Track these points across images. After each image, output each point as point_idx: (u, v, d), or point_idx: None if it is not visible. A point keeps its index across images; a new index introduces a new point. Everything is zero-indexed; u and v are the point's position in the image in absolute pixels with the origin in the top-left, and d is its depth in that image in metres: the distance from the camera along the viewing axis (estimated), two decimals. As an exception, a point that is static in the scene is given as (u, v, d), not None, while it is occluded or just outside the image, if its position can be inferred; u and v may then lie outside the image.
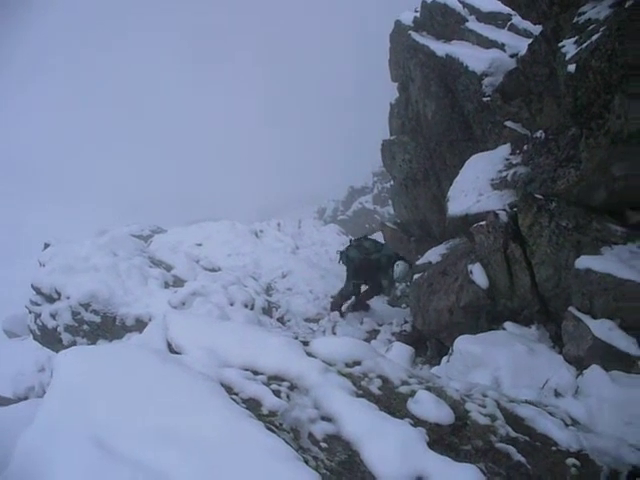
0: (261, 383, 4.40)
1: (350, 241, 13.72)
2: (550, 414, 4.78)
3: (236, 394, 4.21)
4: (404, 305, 13.41)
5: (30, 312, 14.17)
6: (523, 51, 10.48)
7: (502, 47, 11.91)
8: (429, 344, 10.42)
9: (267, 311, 13.46)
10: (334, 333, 12.22)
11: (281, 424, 3.93)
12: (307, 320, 13.38)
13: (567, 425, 4.69)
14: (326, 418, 4.07)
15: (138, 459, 3.14)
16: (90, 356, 4.45)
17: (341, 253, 13.27)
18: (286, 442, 3.55)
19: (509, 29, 12.63)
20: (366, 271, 12.67)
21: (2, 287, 37.55)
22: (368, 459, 3.68)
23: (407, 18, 14.96)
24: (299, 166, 74.45)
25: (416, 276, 11.22)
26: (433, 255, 11.36)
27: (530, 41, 10.31)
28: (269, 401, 4.15)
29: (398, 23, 15.26)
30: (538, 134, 9.37)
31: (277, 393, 4.28)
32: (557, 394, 6.23)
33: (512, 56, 11.32)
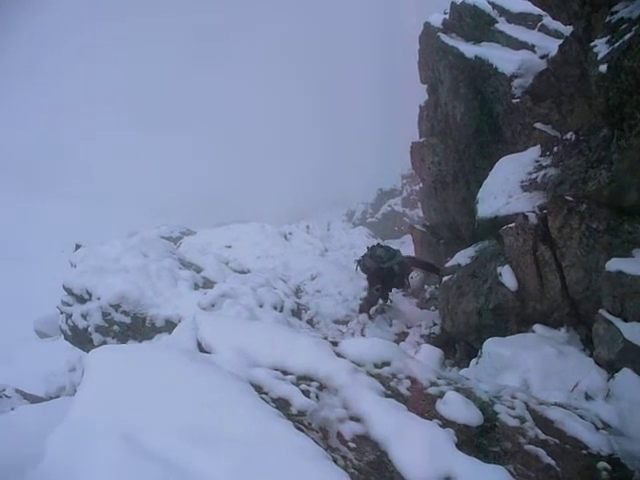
0: (290, 383, 4.43)
1: (367, 249, 13.76)
2: (580, 417, 4.76)
3: (265, 394, 4.24)
4: (433, 307, 13.37)
5: (61, 313, 14.32)
6: (554, 52, 10.40)
7: (532, 48, 11.82)
8: (458, 346, 10.38)
9: (296, 313, 13.50)
10: (363, 335, 12.24)
11: (310, 424, 3.95)
12: (336, 322, 13.40)
13: (598, 428, 4.66)
14: (355, 418, 4.08)
15: (169, 458, 3.18)
16: (121, 355, 4.50)
17: (358, 262, 13.40)
18: (315, 442, 3.56)
19: (539, 30, 12.52)
20: (381, 279, 12.82)
21: (34, 288, 37.93)
22: (396, 459, 3.69)
23: (436, 20, 14.90)
24: (328, 168, 74.42)
25: (445, 278, 11.18)
26: (462, 257, 11.31)
27: (561, 42, 10.23)
28: (298, 401, 4.18)
29: (427, 25, 15.20)
30: (568, 135, 9.30)
31: (306, 393, 4.31)
32: (587, 397, 6.18)
33: (542, 57, 11.23)
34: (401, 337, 12.25)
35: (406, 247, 20.39)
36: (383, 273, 12.82)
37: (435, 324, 12.21)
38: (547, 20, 12.05)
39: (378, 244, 14.13)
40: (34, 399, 14.41)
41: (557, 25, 11.47)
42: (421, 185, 20.86)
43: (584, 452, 4.19)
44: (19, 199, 72.25)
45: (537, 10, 11.61)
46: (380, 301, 13.42)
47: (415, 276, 13.00)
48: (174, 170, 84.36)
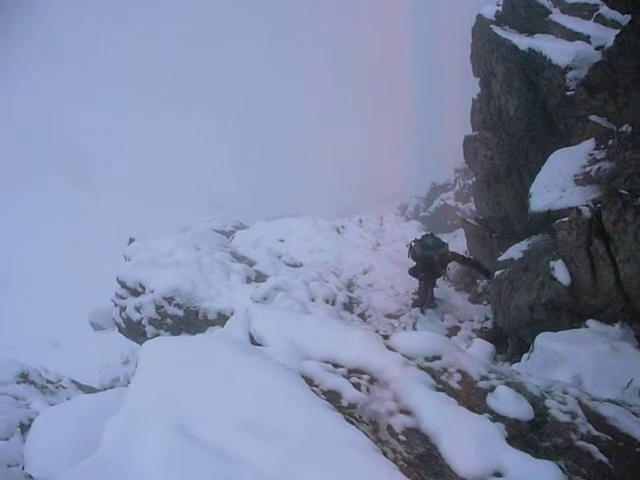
0: (341, 376, 4.47)
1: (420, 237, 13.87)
2: (634, 414, 4.69)
3: (316, 386, 4.28)
4: (485, 302, 13.31)
5: (115, 305, 14.59)
6: (610, 43, 10.22)
7: (587, 39, 11.63)
8: (509, 341, 10.33)
9: (348, 307, 13.54)
10: (415, 329, 12.24)
11: (360, 416, 3.99)
12: (388, 316, 13.41)
13: (652, 427, 4.59)
14: (405, 411, 4.10)
15: (221, 447, 3.24)
16: (174, 346, 4.58)
17: (410, 247, 13.48)
18: (365, 434, 3.60)
19: (595, 20, 12.30)
20: (424, 267, 12.89)
21: (89, 281, 38.58)
22: (446, 453, 3.70)
23: (489, 12, 14.77)
24: (381, 163, 74.05)
25: (497, 273, 11.13)
26: (515, 252, 11.24)
27: (618, 32, 10.06)
28: (349, 394, 4.21)
29: (480, 17, 15.07)
30: (624, 128, 9.17)
31: (357, 386, 4.34)
32: (642, 395, 6.10)
33: (598, 48, 11.04)
34: (453, 331, 12.23)
35: (458, 241, 20.25)
36: (425, 261, 12.90)
37: (487, 319, 12.16)
38: (604, 10, 11.83)
39: (431, 234, 14.22)
40: (89, 390, 14.69)
41: (614, 15, 11.27)
42: (474, 179, 20.70)
43: (638, 450, 4.14)
44: (75, 193, 73.57)
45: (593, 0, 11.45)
46: (432, 294, 13.45)
47: (453, 267, 13.01)
48: (227, 164, 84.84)
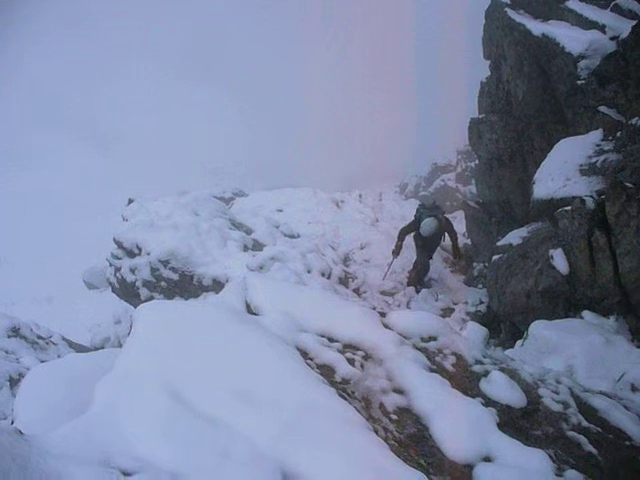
0: (336, 351, 4.47)
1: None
2: (625, 408, 4.71)
3: (311, 359, 4.29)
4: (480, 285, 13.31)
5: (110, 265, 14.60)
6: (625, 33, 10.11)
7: (602, 29, 11.52)
8: (503, 327, 10.34)
9: (343, 281, 13.55)
10: (409, 308, 12.24)
11: (353, 392, 3.99)
12: (382, 293, 13.41)
13: (643, 421, 4.61)
14: (398, 390, 4.11)
15: (214, 416, 3.25)
16: (170, 311, 4.58)
17: (417, 210, 13.58)
18: (357, 411, 3.60)
19: (612, 10, 12.15)
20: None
21: (84, 239, 38.63)
22: (437, 434, 3.71)
23: (504, -6, 14.65)
24: (384, 140, 73.91)
25: (495, 257, 11.12)
26: (514, 237, 11.23)
27: (634, 23, 9.97)
28: (343, 369, 4.21)
29: (495, 0, 14.95)
30: (634, 121, 9.11)
31: (351, 362, 4.35)
32: (634, 389, 6.11)
33: (612, 39, 10.94)
34: (447, 313, 12.24)
35: (457, 223, 20.20)
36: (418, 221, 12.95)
37: (482, 302, 12.16)
38: (622, 0, 11.74)
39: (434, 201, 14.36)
40: (80, 348, 14.76)
41: (633, 5, 11.17)
42: (476, 162, 20.65)
43: (627, 443, 4.16)
44: (81, 150, 73.53)
45: (612, -11, 11.35)
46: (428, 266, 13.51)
47: (427, 220, 12.95)
48: (228, 131, 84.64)
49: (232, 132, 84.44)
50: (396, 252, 13.52)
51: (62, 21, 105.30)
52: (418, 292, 13.11)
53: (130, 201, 16.72)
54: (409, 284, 13.49)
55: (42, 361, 11.10)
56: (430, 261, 13.62)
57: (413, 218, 13.42)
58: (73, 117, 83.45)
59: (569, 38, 11.52)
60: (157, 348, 3.91)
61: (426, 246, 13.26)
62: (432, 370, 4.43)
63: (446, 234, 13.42)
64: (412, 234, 13.45)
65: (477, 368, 4.64)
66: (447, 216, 14.07)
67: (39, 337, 13.44)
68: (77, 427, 3.15)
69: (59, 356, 12.27)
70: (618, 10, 11.91)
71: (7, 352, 11.95)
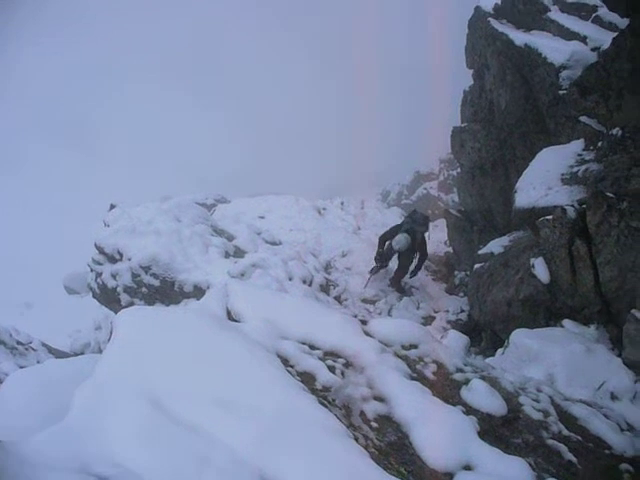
0: (317, 358, 4.45)
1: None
2: (605, 416, 4.72)
3: (291, 366, 4.26)
4: (462, 294, 13.35)
5: (91, 270, 14.48)
6: (606, 45, 10.20)
7: (584, 40, 11.62)
8: (484, 335, 10.37)
9: (325, 288, 13.52)
10: (390, 315, 12.25)
11: (334, 400, 3.97)
12: (364, 301, 13.41)
13: (622, 430, 4.63)
14: (379, 398, 4.09)
15: (194, 423, 3.22)
16: (151, 317, 4.53)
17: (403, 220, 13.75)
18: (338, 418, 3.58)
19: (593, 21, 12.29)
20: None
21: (65, 245, 38.41)
22: (417, 442, 3.70)
23: (487, 4, 14.70)
24: (366, 147, 74.16)
25: (476, 266, 11.16)
26: (495, 246, 11.27)
27: (615, 35, 10.05)
28: (323, 376, 4.19)
29: (478, 9, 15.00)
30: (614, 131, 9.17)
31: (332, 369, 4.33)
32: (613, 397, 6.14)
33: (594, 50, 11.04)
34: (428, 321, 12.26)
35: (439, 231, 20.32)
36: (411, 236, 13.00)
37: (463, 310, 12.21)
38: (602, 11, 11.84)
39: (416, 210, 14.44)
40: (59, 354, 14.65)
41: (613, 17, 11.27)
42: (459, 170, 20.74)
43: (607, 452, 4.17)
44: (65, 155, 73.27)
45: (593, 1, 11.46)
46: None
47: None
48: (211, 139, 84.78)
49: (215, 139, 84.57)
50: (378, 259, 13.56)
51: (56, 28, 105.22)
52: (404, 292, 13.25)
53: (112, 206, 16.62)
54: (391, 285, 13.63)
55: (21, 367, 10.99)
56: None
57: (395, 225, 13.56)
58: (56, 121, 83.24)
59: (551, 48, 11.61)
60: (137, 354, 3.88)
61: (398, 257, 13.35)
62: (413, 378, 4.42)
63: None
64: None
65: (458, 376, 4.63)
66: (430, 224, 14.13)
67: (18, 343, 13.34)
68: (55, 434, 3.11)
69: (38, 362, 12.16)
70: (599, 22, 12.04)
71: (-15, 358, 11.84)
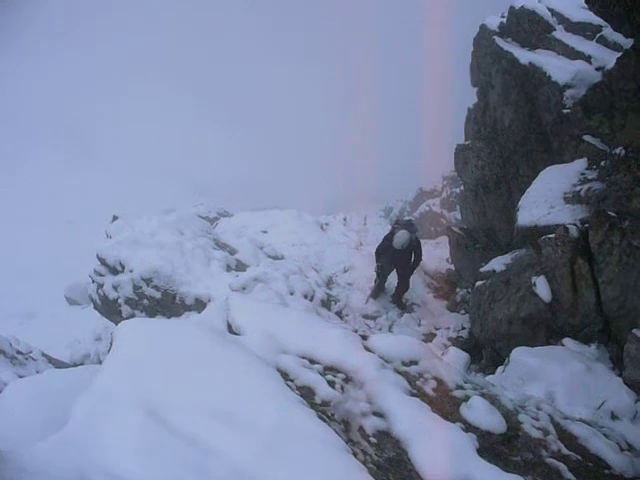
0: (317, 372, 4.45)
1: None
2: (605, 436, 4.71)
3: (291, 380, 4.26)
4: (463, 311, 13.32)
5: (93, 282, 14.49)
6: (611, 64, 10.23)
7: (588, 59, 11.65)
8: (484, 352, 10.34)
9: (326, 304, 13.51)
10: (391, 332, 12.24)
11: (333, 415, 3.97)
12: (365, 317, 13.39)
13: (622, 449, 4.61)
14: (378, 414, 4.09)
15: (192, 435, 3.22)
16: (151, 329, 4.54)
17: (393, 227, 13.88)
18: (337, 433, 3.58)
19: (598, 41, 12.32)
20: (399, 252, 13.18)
21: (67, 255, 38.42)
22: (416, 459, 3.69)
23: (492, 23, 14.74)
24: (370, 164, 74.28)
25: (478, 283, 11.14)
26: (497, 264, 11.25)
27: (619, 54, 10.08)
28: (323, 391, 4.19)
29: (483, 27, 15.04)
30: (618, 150, 9.19)
31: (332, 384, 4.32)
32: (614, 417, 6.11)
33: (598, 69, 11.06)
34: (429, 338, 12.24)
35: (441, 248, 20.26)
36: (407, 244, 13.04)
37: (464, 328, 12.19)
38: (607, 31, 11.86)
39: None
40: (59, 364, 14.60)
41: (617, 37, 11.29)
42: (462, 188, 20.76)
43: (606, 472, 4.16)
44: (65, 165, 73.30)
45: (597, 20, 11.46)
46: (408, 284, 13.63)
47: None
48: (214, 151, 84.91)
49: (219, 152, 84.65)
50: (379, 273, 13.60)
51: (53, 33, 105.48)
52: (403, 310, 13.31)
53: (115, 218, 16.65)
54: (371, 295, 13.94)
55: (20, 376, 10.95)
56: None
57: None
58: (61, 130, 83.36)
59: (556, 67, 11.64)
60: (137, 366, 3.88)
61: (394, 261, 13.32)
62: (412, 394, 4.41)
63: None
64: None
65: (458, 393, 4.63)
66: (432, 241, 14.18)
67: (18, 352, 13.30)
68: (53, 444, 3.11)
69: (38, 372, 12.12)
70: (603, 41, 12.06)
71: (-15, 367, 11.80)
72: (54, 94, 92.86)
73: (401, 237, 12.76)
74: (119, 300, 13.18)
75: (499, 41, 13.76)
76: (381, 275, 13.70)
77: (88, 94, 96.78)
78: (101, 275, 14.06)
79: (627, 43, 10.10)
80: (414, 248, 13.23)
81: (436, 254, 18.30)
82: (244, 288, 12.42)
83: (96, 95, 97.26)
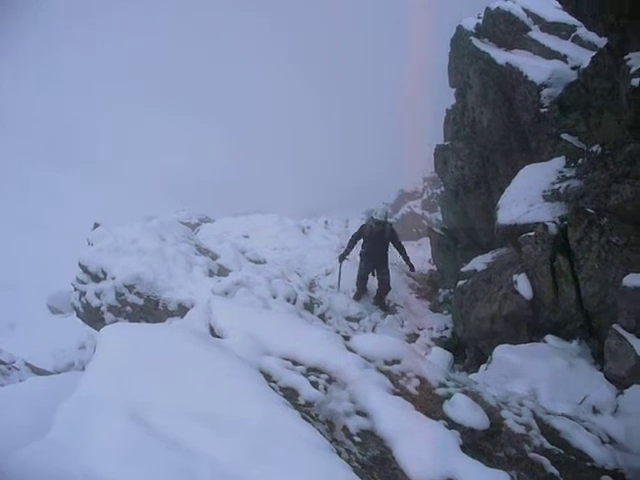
0: (300, 374, 4.45)
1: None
2: (587, 430, 4.75)
3: (274, 382, 4.27)
4: (445, 311, 13.36)
5: (75, 290, 14.40)
6: (586, 63, 10.33)
7: (564, 58, 11.75)
8: (468, 352, 10.38)
9: (309, 307, 13.49)
10: (374, 333, 12.25)
11: (317, 415, 3.98)
12: (348, 319, 13.38)
13: (604, 442, 4.66)
14: (361, 413, 4.10)
15: (176, 438, 3.21)
16: (134, 333, 4.53)
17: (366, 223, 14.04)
18: (321, 433, 3.59)
19: (573, 40, 12.42)
20: (373, 243, 13.41)
21: (49, 264, 38.18)
22: (400, 457, 3.70)
23: (469, 24, 14.83)
24: (350, 167, 74.34)
25: (460, 283, 11.19)
26: (479, 263, 11.31)
27: (594, 54, 10.18)
28: (306, 392, 4.20)
29: (460, 28, 15.13)
30: (594, 148, 9.27)
31: (315, 384, 4.33)
32: (595, 411, 6.16)
33: (574, 68, 11.16)
34: (412, 338, 12.25)
35: (423, 249, 20.34)
36: (377, 235, 13.14)
37: (447, 328, 12.22)
38: (581, 31, 11.96)
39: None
40: (42, 373, 14.50)
41: (591, 37, 11.40)
42: (442, 188, 20.82)
43: (588, 464, 4.19)
44: (46, 172, 72.75)
45: (572, 20, 11.56)
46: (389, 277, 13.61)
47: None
48: (194, 157, 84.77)
49: (199, 158, 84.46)
50: (343, 257, 13.93)
51: (37, 42, 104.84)
52: (385, 311, 13.29)
53: (96, 225, 16.56)
54: (355, 297, 13.92)
55: (3, 386, 10.91)
56: (370, 275, 13.87)
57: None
58: (38, 138, 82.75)
59: (532, 67, 11.73)
60: (120, 370, 3.87)
61: (369, 254, 13.35)
62: (396, 393, 4.43)
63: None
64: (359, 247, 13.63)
65: (441, 391, 4.65)
66: (414, 242, 14.20)
67: (1, 362, 13.21)
68: (37, 450, 3.09)
69: (21, 381, 12.06)
70: (578, 41, 12.17)
71: (-33, 377, 11.73)
72: (30, 102, 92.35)
73: (380, 209, 13.08)
74: (102, 307, 13.10)
75: (476, 42, 13.84)
76: (362, 274, 13.74)
77: (67, 103, 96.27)
78: (83, 283, 13.98)
79: (601, 42, 10.20)
80: (390, 237, 13.26)
81: (418, 255, 18.34)
82: (227, 293, 12.39)
83: (72, 103, 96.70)
